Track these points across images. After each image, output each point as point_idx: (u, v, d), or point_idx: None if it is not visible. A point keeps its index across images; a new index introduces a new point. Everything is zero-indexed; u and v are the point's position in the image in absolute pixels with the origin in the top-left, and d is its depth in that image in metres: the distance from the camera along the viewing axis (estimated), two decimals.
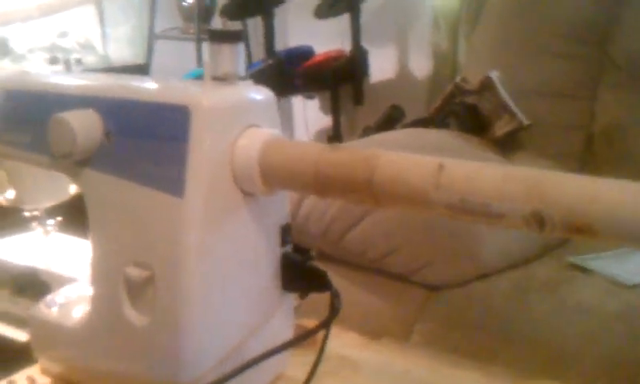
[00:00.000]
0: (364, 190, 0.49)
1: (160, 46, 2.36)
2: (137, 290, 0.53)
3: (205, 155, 0.51)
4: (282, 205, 0.58)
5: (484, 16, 1.64)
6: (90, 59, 1.65)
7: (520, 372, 0.63)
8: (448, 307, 1.00)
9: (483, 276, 1.05)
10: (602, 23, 1.48)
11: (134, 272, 0.53)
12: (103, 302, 0.56)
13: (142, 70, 1.68)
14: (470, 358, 0.66)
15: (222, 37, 0.56)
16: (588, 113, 1.46)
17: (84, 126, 0.54)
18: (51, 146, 0.55)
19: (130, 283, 0.53)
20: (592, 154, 1.43)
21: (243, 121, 0.53)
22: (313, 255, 0.60)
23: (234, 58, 0.56)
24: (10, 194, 0.69)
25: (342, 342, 0.68)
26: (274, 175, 0.52)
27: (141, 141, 0.53)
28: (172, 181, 0.51)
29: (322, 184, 0.50)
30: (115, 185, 0.54)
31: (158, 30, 2.37)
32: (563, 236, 0.44)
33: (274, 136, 0.53)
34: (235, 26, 1.79)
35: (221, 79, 0.55)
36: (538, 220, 0.43)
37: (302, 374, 0.60)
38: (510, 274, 1.04)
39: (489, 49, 1.56)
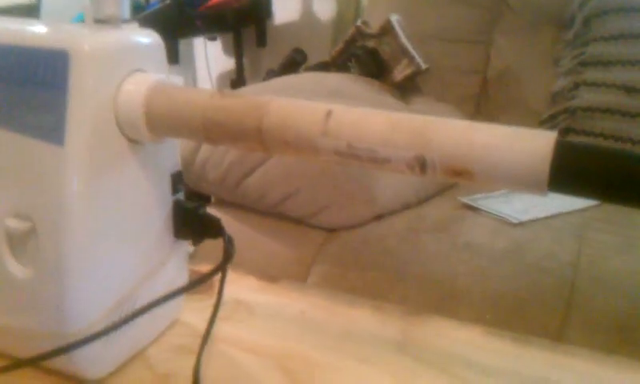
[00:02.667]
0: (253, 138, 0.48)
1: None
2: (18, 242, 0.51)
3: (86, 101, 0.49)
4: (171, 152, 0.57)
5: None
6: None
7: (412, 309, 0.65)
8: (344, 248, 1.02)
9: (378, 217, 1.07)
10: None
11: (14, 223, 0.51)
12: None
13: (31, 10, 1.58)
14: (364, 296, 0.68)
15: None
16: (484, 57, 1.50)
17: None
18: None
19: (11, 235, 0.51)
20: (487, 98, 1.48)
21: (128, 65, 0.51)
22: (212, 202, 0.60)
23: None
24: None
25: (238, 286, 0.68)
26: (161, 122, 0.51)
27: (16, 87, 0.50)
28: (51, 129, 0.49)
29: (210, 131, 0.49)
30: None
31: None
32: (445, 179, 0.46)
33: (160, 81, 0.52)
34: None
35: (103, 22, 0.53)
36: (421, 164, 0.44)
37: (197, 320, 0.61)
38: (404, 215, 1.07)
39: None
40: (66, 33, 0.53)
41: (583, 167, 0.40)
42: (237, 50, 2.08)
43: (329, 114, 0.47)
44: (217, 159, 1.02)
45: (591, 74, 1.28)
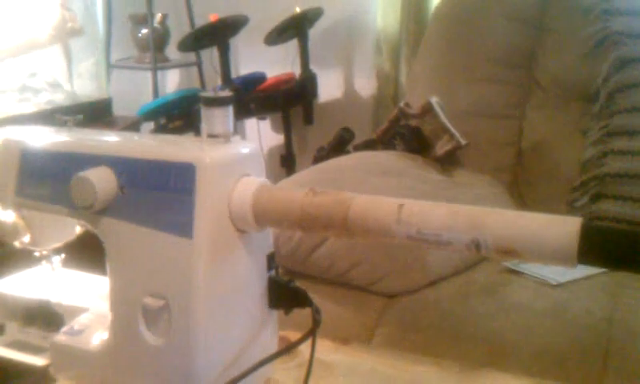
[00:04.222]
0: (340, 227, 0.61)
1: (116, 75, 2.44)
2: (152, 316, 0.63)
3: (208, 203, 0.61)
4: (267, 237, 0.69)
5: (423, 42, 1.79)
6: (58, 97, 1.73)
7: (468, 364, 0.75)
8: (403, 312, 1.13)
9: (432, 284, 1.17)
10: (528, 49, 1.64)
11: (151, 301, 0.63)
12: (122, 327, 0.66)
13: (106, 104, 1.77)
14: (424, 355, 0.78)
15: (214, 102, 0.66)
16: (518, 130, 1.61)
17: (102, 182, 0.64)
18: (75, 199, 0.64)
19: (147, 310, 0.63)
20: (523, 168, 1.59)
21: (237, 172, 0.64)
22: (279, 272, 0.71)
23: (225, 119, 0.67)
24: (27, 238, 0.78)
25: (316, 347, 0.78)
26: (265, 216, 0.63)
27: (152, 192, 0.63)
28: (182, 225, 0.61)
29: (306, 222, 0.61)
30: (130, 229, 0.64)
31: (113, 60, 2.46)
32: (496, 257, 0.58)
33: (263, 183, 0.65)
34: (190, 56, 1.91)
35: (215, 137, 0.66)
36: (476, 246, 0.56)
37: (286, 378, 0.71)
38: (455, 281, 1.18)
39: (429, 74, 1.71)
40: (190, 148, 0.66)
41: (603, 246, 0.52)
42: (286, 127, 2.23)
43: (401, 206, 0.59)
44: (287, 236, 1.15)
45: (617, 143, 1.39)
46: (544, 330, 1.02)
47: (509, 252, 0.55)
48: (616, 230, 0.52)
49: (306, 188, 0.62)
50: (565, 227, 0.53)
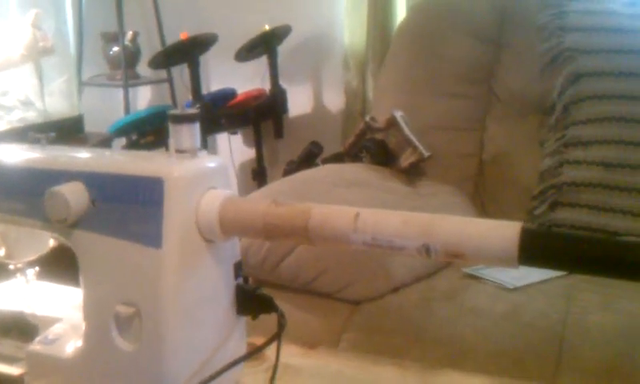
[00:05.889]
0: (301, 235, 0.64)
1: (88, 93, 2.46)
2: (124, 324, 0.66)
3: (176, 214, 0.64)
4: (234, 247, 0.72)
5: (387, 59, 1.85)
6: (30, 115, 1.75)
7: (429, 365, 0.79)
8: (368, 318, 1.18)
9: (395, 290, 1.22)
10: (488, 65, 1.71)
11: (123, 309, 0.65)
12: (95, 334, 0.68)
13: (78, 121, 1.79)
14: (388, 357, 0.82)
15: (181, 119, 0.70)
16: (479, 142, 1.68)
17: (74, 196, 0.66)
18: (49, 213, 0.66)
19: (119, 318, 0.66)
20: (484, 178, 1.65)
21: (204, 185, 0.67)
22: (250, 281, 0.74)
23: (192, 135, 0.70)
24: (1, 251, 0.80)
25: (283, 352, 0.79)
26: (231, 226, 0.66)
27: (122, 205, 0.66)
28: (151, 236, 0.64)
29: (269, 231, 0.65)
30: (102, 241, 0.66)
31: (85, 77, 2.48)
32: (445, 260, 0.62)
33: (228, 195, 0.68)
34: (161, 73, 1.95)
35: (183, 152, 0.70)
36: (427, 250, 0.60)
37: (254, 381, 0.74)
38: (417, 287, 1.23)
39: (393, 89, 1.76)
40: (159, 163, 0.69)
41: (541, 247, 0.57)
42: (257, 142, 2.27)
43: (357, 215, 0.63)
44: (256, 247, 1.19)
45: (573, 154, 1.46)
46: (501, 332, 1.07)
47: (456, 255, 0.59)
48: (552, 233, 0.57)
49: (269, 199, 0.66)
50: (506, 231, 0.58)
